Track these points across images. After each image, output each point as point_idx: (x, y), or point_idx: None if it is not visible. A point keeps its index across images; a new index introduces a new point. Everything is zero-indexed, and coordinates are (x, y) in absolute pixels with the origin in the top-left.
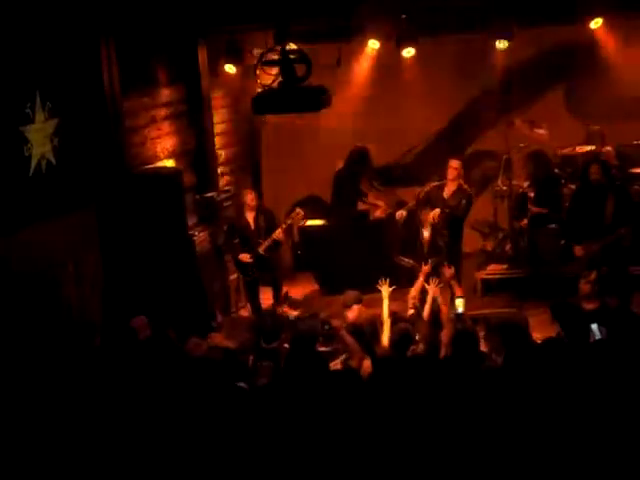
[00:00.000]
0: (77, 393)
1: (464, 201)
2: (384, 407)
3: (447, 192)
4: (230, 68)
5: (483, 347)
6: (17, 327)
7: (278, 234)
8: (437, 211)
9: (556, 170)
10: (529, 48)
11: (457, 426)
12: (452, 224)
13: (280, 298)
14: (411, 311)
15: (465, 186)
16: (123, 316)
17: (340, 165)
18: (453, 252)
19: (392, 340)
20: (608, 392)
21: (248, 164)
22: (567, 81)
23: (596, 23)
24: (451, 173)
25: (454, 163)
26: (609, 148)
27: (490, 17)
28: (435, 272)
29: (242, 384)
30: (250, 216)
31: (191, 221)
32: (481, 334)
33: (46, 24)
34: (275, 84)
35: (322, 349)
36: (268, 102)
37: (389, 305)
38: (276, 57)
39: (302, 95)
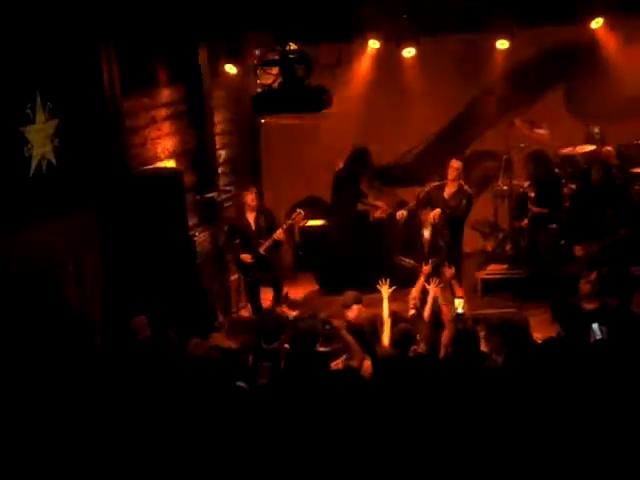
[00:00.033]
0: (77, 393)
1: (464, 201)
2: (385, 407)
3: (448, 192)
4: (230, 68)
5: (483, 347)
6: (17, 327)
7: (279, 234)
8: (437, 211)
9: (556, 170)
10: (529, 48)
11: (458, 426)
12: (452, 224)
13: (280, 298)
14: (412, 311)
15: (466, 187)
16: (123, 316)
17: (340, 165)
18: (453, 252)
19: (393, 340)
20: (608, 392)
21: (248, 164)
22: (567, 81)
23: (596, 23)
24: (452, 173)
25: (455, 163)
26: (609, 148)
27: (490, 17)
28: (435, 272)
29: (242, 384)
30: (251, 216)
31: (191, 221)
32: (481, 334)
33: (46, 25)
34: (275, 84)
35: (322, 349)
36: (268, 102)
37: (389, 305)
38: (276, 57)
39: (302, 95)
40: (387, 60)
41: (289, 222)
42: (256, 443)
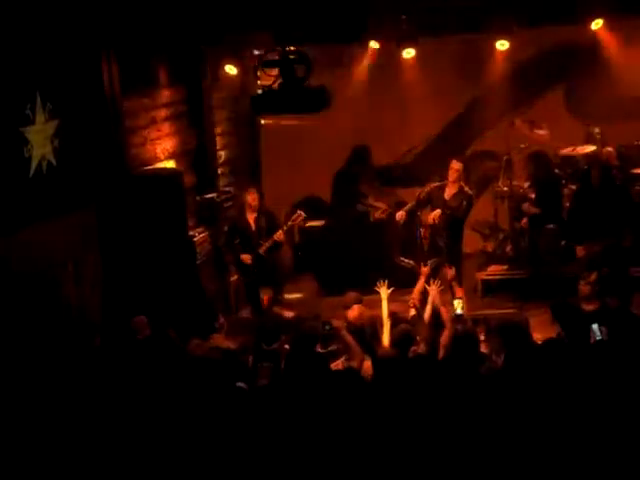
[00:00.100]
0: (77, 393)
1: (465, 203)
2: (385, 408)
3: (448, 193)
4: (230, 69)
5: (484, 348)
6: (17, 327)
7: (279, 236)
8: (438, 212)
9: (556, 171)
10: (529, 48)
11: (458, 427)
12: (452, 225)
13: (277, 299)
14: (412, 312)
15: (466, 188)
16: (123, 316)
17: (340, 165)
18: (453, 253)
19: (393, 341)
20: (608, 392)
21: (248, 165)
22: (567, 81)
23: (597, 24)
24: (452, 175)
25: (455, 164)
26: (610, 149)
27: (490, 17)
28: (435, 273)
29: (242, 385)
30: (251, 217)
31: (191, 222)
32: (481, 335)
33: (47, 25)
34: (275, 85)
35: (322, 350)
36: (267, 102)
37: (389, 306)
38: (276, 57)
39: (302, 96)
40: (387, 60)
41: (289, 224)
42: (256, 444)
